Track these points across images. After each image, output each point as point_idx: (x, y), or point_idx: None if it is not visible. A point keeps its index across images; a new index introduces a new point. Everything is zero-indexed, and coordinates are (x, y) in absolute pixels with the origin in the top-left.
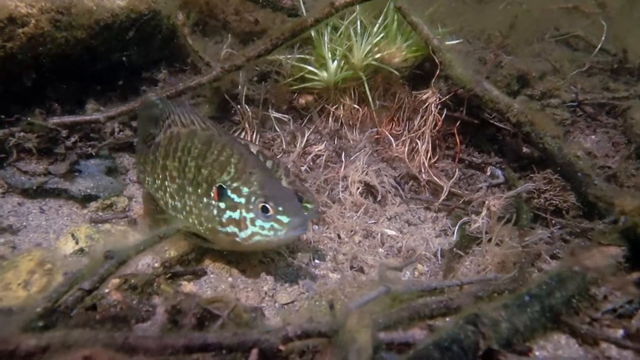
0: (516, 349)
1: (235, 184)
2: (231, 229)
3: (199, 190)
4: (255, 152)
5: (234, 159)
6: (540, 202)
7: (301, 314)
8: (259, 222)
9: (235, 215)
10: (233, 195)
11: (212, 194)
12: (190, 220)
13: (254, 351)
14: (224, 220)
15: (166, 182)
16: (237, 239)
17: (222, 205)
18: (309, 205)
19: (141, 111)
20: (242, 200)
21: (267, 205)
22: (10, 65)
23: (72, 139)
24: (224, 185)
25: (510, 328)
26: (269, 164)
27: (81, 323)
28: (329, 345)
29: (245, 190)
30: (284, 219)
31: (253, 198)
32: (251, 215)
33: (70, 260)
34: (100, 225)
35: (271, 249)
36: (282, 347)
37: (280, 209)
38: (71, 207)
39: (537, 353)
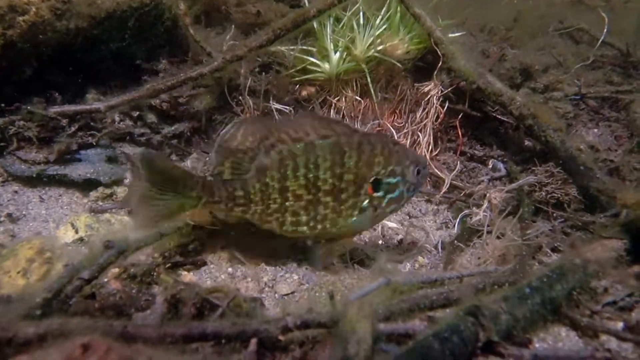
0: (516, 341)
1: (389, 169)
2: (391, 207)
3: (343, 195)
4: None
5: (377, 150)
6: (541, 195)
7: (301, 304)
8: (412, 188)
9: (395, 194)
10: (389, 179)
11: (364, 192)
12: (320, 227)
13: (253, 341)
14: (383, 204)
15: (287, 203)
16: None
17: (380, 193)
18: None
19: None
20: (398, 178)
21: (419, 168)
22: (11, 54)
23: (73, 128)
24: (378, 177)
25: (510, 320)
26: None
27: (80, 311)
28: (328, 335)
29: (398, 169)
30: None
31: (408, 169)
32: (407, 185)
33: (70, 249)
34: (100, 214)
35: None
36: (281, 337)
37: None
38: (71, 197)
39: (537, 345)
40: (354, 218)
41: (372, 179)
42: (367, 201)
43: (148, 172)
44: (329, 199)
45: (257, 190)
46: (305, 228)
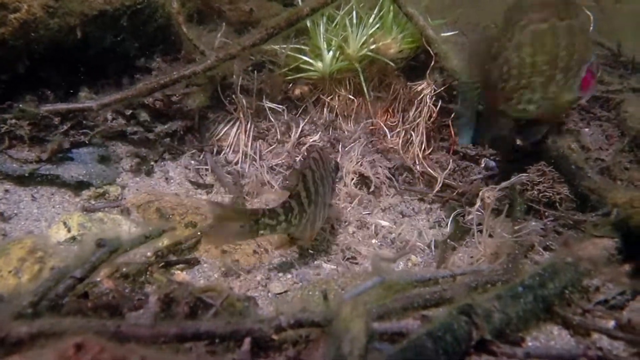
0: (509, 339)
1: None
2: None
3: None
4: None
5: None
6: (533, 194)
7: (294, 303)
8: None
9: None
10: None
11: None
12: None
13: (247, 340)
14: None
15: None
16: None
17: None
18: None
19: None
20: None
21: None
22: (2, 51)
23: (65, 127)
24: None
25: (503, 318)
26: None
27: (73, 311)
28: (322, 335)
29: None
30: None
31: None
32: None
33: (62, 248)
34: (92, 213)
35: None
36: (274, 337)
37: None
38: (63, 195)
39: (529, 343)
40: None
41: None
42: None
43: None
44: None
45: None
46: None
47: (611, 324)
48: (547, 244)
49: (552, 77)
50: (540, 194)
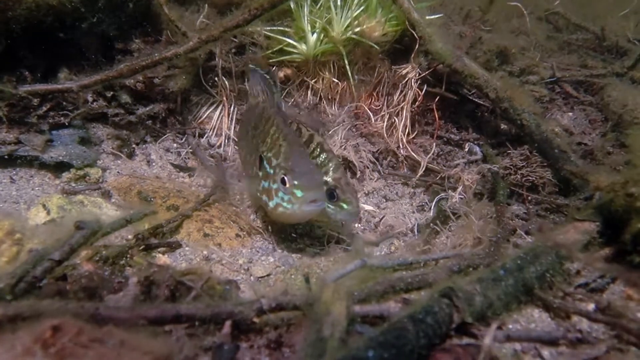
0: (489, 322)
1: (269, 154)
2: (264, 198)
3: (250, 158)
4: (316, 142)
5: (272, 130)
6: (516, 178)
7: (276, 287)
8: (280, 194)
9: (266, 184)
10: (266, 165)
11: (256, 163)
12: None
13: (227, 323)
14: (260, 188)
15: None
16: (268, 208)
17: (260, 174)
18: (344, 205)
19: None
20: (272, 170)
21: (285, 178)
22: None
23: (44, 108)
24: (262, 156)
25: (484, 302)
26: (323, 155)
27: (51, 293)
28: (303, 318)
29: (274, 161)
30: (298, 192)
31: (277, 169)
32: (275, 185)
33: (41, 230)
34: (72, 196)
35: (297, 222)
36: (256, 320)
37: (295, 182)
38: (43, 178)
39: (510, 326)
40: (258, 194)
41: (259, 154)
42: (257, 178)
43: None
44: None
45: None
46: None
47: (591, 306)
48: (530, 228)
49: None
50: (523, 178)
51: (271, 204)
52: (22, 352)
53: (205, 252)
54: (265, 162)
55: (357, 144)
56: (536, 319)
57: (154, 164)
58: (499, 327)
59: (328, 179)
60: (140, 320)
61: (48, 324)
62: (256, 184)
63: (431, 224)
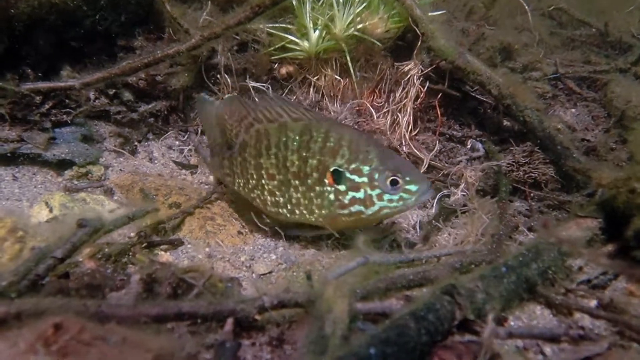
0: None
1: (353, 165)
2: (355, 208)
3: (309, 181)
4: None
5: (345, 141)
6: (519, 174)
7: (278, 284)
8: (387, 197)
9: (360, 195)
10: (353, 177)
11: (327, 181)
12: (298, 212)
13: (229, 320)
14: (345, 201)
15: (263, 181)
16: (363, 216)
17: (343, 187)
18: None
19: (200, 112)
20: (365, 179)
21: (396, 178)
22: None
23: (46, 106)
24: (339, 169)
25: (486, 299)
26: None
27: (53, 291)
28: (305, 315)
29: (366, 169)
30: (413, 187)
31: (377, 174)
32: (377, 191)
33: (43, 228)
34: (75, 193)
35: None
36: (257, 317)
37: (407, 179)
38: (45, 175)
39: (512, 323)
40: (337, 210)
41: (333, 168)
42: (332, 193)
43: None
44: (297, 182)
45: (238, 164)
46: (285, 211)
47: (593, 303)
48: (532, 224)
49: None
50: (526, 175)
51: (370, 211)
52: (24, 349)
53: (207, 250)
54: (347, 174)
55: None
56: (538, 315)
57: (156, 161)
58: (501, 324)
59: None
60: (143, 317)
61: (50, 322)
62: (328, 202)
63: (433, 221)
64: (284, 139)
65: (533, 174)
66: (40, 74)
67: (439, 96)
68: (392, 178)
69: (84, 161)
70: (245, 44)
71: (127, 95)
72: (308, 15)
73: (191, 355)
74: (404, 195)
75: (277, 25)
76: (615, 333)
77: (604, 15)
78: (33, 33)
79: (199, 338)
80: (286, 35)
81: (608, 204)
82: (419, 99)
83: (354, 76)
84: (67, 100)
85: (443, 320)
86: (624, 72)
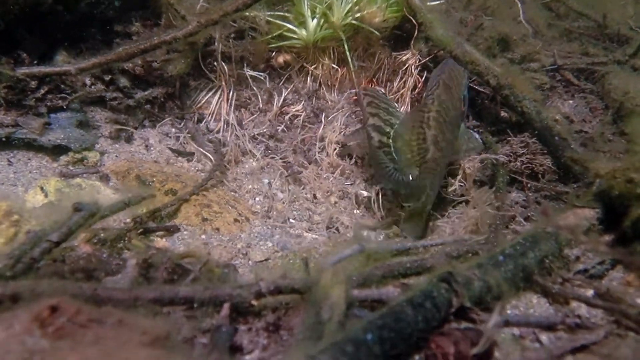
0: (488, 307)
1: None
2: None
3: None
4: None
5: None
6: (516, 165)
7: (275, 271)
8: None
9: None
10: None
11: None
12: None
13: (226, 305)
14: None
15: None
16: None
17: None
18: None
19: None
20: None
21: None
22: None
23: (42, 91)
24: None
25: (483, 287)
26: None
27: (49, 274)
28: (302, 301)
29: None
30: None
31: None
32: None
33: (38, 212)
34: (70, 179)
35: None
36: (254, 302)
37: None
38: (40, 160)
39: (508, 311)
40: None
41: None
42: None
43: None
44: None
45: None
46: None
47: (590, 292)
48: (529, 214)
49: None
50: (523, 166)
51: None
52: (20, 331)
53: (203, 237)
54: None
55: (357, 130)
56: (535, 304)
57: (152, 148)
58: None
59: None
60: (139, 301)
61: (46, 304)
62: None
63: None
64: None
65: (530, 165)
66: (35, 59)
67: None
68: None
69: (79, 147)
70: (243, 31)
71: (124, 82)
72: (306, 3)
73: (187, 339)
74: None
75: (274, 13)
76: (612, 322)
77: (601, 6)
78: (29, 16)
79: (195, 322)
80: (284, 24)
81: (605, 194)
82: (417, 89)
83: (351, 65)
84: (62, 86)
85: (440, 308)
86: (621, 64)
